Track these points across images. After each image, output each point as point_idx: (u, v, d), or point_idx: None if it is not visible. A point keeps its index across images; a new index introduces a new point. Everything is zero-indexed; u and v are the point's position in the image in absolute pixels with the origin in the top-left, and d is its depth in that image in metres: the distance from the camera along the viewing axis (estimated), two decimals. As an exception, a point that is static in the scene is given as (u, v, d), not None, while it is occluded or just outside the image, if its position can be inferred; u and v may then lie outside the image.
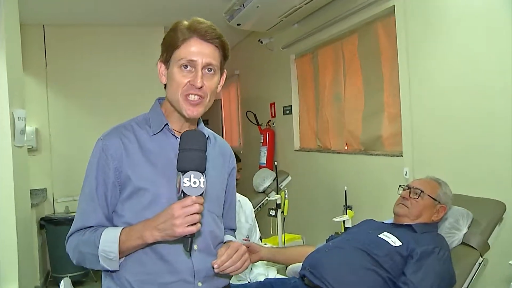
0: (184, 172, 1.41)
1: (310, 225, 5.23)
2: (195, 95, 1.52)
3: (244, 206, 3.22)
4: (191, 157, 1.42)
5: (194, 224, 1.40)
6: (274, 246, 3.58)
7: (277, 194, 4.34)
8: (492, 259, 2.38)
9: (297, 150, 5.66)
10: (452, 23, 3.04)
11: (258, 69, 6.65)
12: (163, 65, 1.59)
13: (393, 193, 3.55)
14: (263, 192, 4.77)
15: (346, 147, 4.64)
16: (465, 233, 2.36)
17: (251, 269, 3.11)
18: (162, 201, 1.52)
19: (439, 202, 2.41)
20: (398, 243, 2.17)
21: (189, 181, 1.40)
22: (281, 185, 4.64)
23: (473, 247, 2.33)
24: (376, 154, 4.00)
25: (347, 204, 3.22)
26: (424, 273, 2.03)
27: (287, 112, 5.84)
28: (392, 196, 3.54)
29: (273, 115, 6.27)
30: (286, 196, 4.19)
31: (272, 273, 3.12)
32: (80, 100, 5.86)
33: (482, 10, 2.80)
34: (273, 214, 4.21)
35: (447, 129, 3.11)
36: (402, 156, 3.57)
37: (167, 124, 1.60)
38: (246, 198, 3.31)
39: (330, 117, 4.88)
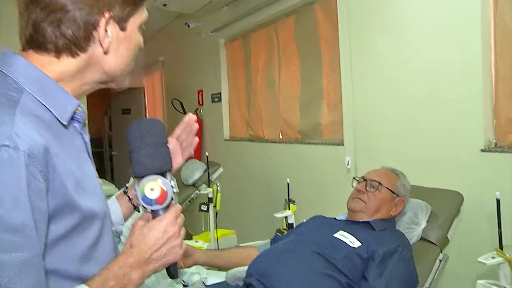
0: (163, 174, 1.07)
1: (244, 220, 4.96)
2: None
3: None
4: (165, 153, 1.09)
5: None
6: (211, 248, 3.26)
7: (209, 187, 4.00)
8: (451, 254, 2.20)
9: (227, 140, 5.38)
10: (397, 4, 2.84)
11: (185, 54, 6.29)
12: (115, 25, 1.02)
13: (335, 184, 3.39)
14: (193, 185, 4.43)
15: (280, 136, 4.39)
16: (424, 227, 2.16)
17: (181, 270, 2.79)
18: (108, 229, 1.06)
19: (398, 195, 2.17)
20: (357, 243, 1.90)
21: (173, 186, 1.07)
22: (212, 177, 4.31)
23: (432, 243, 2.13)
24: (315, 143, 3.78)
25: (289, 198, 2.94)
26: (388, 277, 1.78)
27: (216, 99, 5.55)
28: (335, 188, 3.37)
29: (200, 103, 5.95)
30: (218, 189, 3.87)
31: (204, 272, 2.81)
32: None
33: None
34: (205, 209, 3.86)
35: (393, 116, 2.94)
36: (343, 145, 3.37)
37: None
38: None
39: (263, 105, 4.63)
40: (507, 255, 1.88)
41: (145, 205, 1.05)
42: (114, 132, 9.30)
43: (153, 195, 1.04)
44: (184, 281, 2.80)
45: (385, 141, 3.00)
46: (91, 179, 1.03)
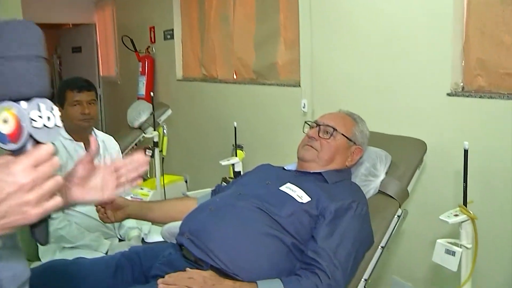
0: (24, 100, 0.75)
1: (195, 165, 4.72)
2: None
3: (110, 148, 2.53)
4: (31, 72, 0.75)
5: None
6: (146, 200, 3.00)
7: (155, 130, 3.71)
8: (411, 210, 2.00)
9: (180, 80, 5.05)
10: None
11: (136, -13, 5.84)
12: None
13: (290, 128, 3.15)
14: (139, 128, 4.12)
15: (235, 76, 4.09)
16: (382, 179, 1.93)
17: (120, 224, 2.53)
18: None
19: (355, 143, 1.91)
20: (305, 198, 1.65)
21: (41, 116, 0.74)
22: (160, 120, 4.01)
23: (391, 196, 1.91)
24: (270, 84, 3.52)
25: (237, 143, 2.69)
26: (340, 238, 1.55)
27: (169, 37, 5.18)
28: (290, 133, 3.13)
29: (152, 40, 5.58)
30: (164, 132, 3.58)
31: (146, 227, 2.56)
32: None
33: None
34: (150, 154, 3.58)
35: (354, 56, 2.71)
36: (299, 86, 3.11)
37: None
38: (111, 137, 2.63)
39: (217, 42, 4.30)
40: (471, 213, 1.68)
41: None
42: (64, 71, 8.84)
43: (5, 129, 0.74)
44: (120, 236, 2.55)
45: (345, 83, 2.78)
46: None
